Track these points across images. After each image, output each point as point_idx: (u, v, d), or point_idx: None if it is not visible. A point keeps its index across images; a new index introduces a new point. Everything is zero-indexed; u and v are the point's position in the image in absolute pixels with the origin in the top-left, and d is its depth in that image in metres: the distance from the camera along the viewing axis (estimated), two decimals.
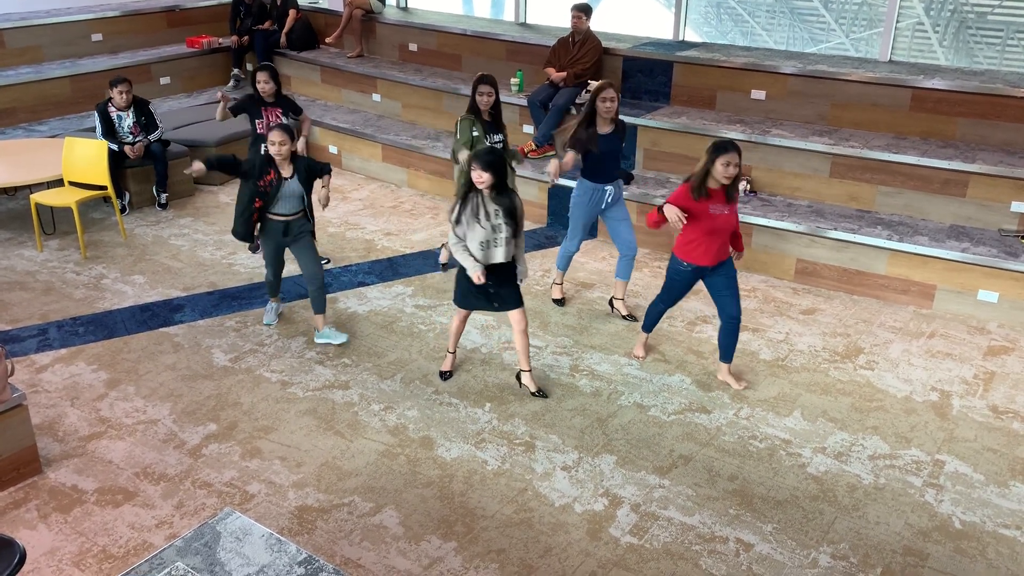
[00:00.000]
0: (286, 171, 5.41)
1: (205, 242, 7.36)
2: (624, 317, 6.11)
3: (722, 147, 4.78)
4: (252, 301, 6.33)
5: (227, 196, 8.39)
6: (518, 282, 5.06)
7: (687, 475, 4.53)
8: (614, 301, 6.17)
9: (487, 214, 4.78)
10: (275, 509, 4.24)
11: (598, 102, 5.60)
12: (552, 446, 4.75)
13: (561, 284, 6.35)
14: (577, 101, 7.92)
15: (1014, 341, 5.86)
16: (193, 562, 2.91)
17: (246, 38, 10.42)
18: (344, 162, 9.24)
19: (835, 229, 6.46)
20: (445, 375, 5.37)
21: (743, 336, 5.88)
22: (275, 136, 5.31)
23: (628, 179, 7.43)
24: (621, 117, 5.88)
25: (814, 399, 5.19)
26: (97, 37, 10.17)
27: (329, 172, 5.70)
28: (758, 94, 7.59)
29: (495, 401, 5.15)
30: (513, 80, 8.54)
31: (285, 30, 10.28)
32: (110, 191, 7.13)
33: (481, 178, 4.69)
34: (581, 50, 7.97)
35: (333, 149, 9.28)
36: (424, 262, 6.99)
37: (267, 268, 5.85)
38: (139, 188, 7.99)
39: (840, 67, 7.39)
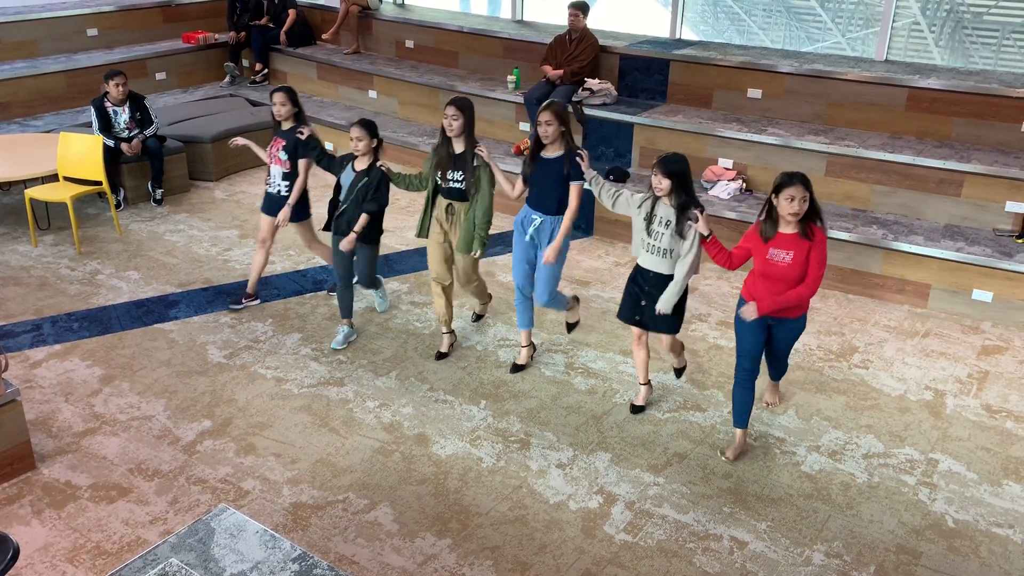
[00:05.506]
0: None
1: (200, 238, 7.35)
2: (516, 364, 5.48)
3: (784, 180, 4.18)
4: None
5: (222, 192, 8.38)
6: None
7: (681, 473, 4.53)
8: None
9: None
10: (269, 506, 4.24)
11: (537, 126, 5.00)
12: (547, 443, 4.75)
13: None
14: (573, 99, 7.92)
15: (1008, 341, 5.88)
16: (187, 558, 2.90)
17: (243, 34, 10.41)
18: None
19: (830, 228, 6.46)
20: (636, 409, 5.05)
21: None
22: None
23: (623, 177, 7.46)
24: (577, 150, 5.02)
25: (808, 398, 5.20)
26: (92, 32, 10.15)
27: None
28: (754, 93, 7.60)
29: (490, 398, 5.15)
30: (510, 78, 8.54)
31: (284, 29, 10.26)
32: (105, 187, 7.11)
33: (660, 184, 4.50)
34: (578, 48, 7.97)
35: (329, 146, 9.25)
36: (420, 259, 6.98)
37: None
38: (134, 184, 7.97)
39: (836, 66, 7.40)
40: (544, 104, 5.01)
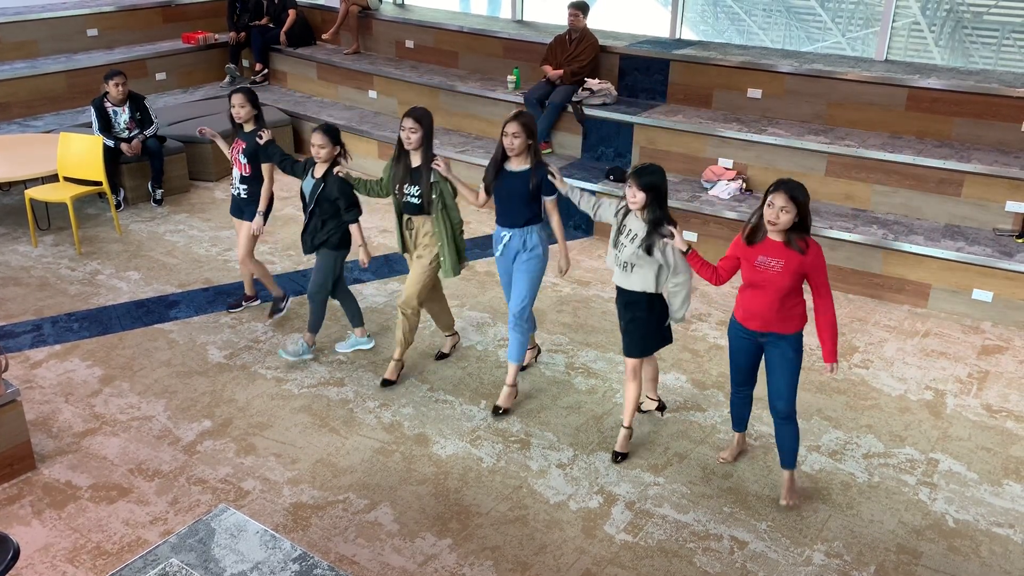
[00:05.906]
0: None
1: (200, 238, 7.35)
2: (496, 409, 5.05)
3: (772, 186, 3.91)
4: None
5: (222, 192, 8.38)
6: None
7: (682, 473, 4.54)
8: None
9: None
10: (270, 506, 4.24)
11: (501, 136, 4.74)
12: (547, 443, 4.75)
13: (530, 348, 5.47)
14: (574, 99, 7.92)
15: (1008, 340, 5.88)
16: (187, 558, 2.90)
17: (243, 34, 10.41)
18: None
19: (830, 228, 6.47)
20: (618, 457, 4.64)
21: None
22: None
23: (623, 177, 7.46)
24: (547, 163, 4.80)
25: (809, 397, 5.20)
26: (93, 32, 10.15)
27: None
28: (754, 93, 7.60)
29: (490, 398, 5.15)
30: (510, 78, 8.54)
31: (284, 29, 10.27)
32: (105, 187, 7.12)
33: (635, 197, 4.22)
34: (578, 48, 7.97)
35: None
36: None
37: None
38: (134, 184, 7.98)
39: (836, 66, 7.40)
40: (512, 114, 4.75)
